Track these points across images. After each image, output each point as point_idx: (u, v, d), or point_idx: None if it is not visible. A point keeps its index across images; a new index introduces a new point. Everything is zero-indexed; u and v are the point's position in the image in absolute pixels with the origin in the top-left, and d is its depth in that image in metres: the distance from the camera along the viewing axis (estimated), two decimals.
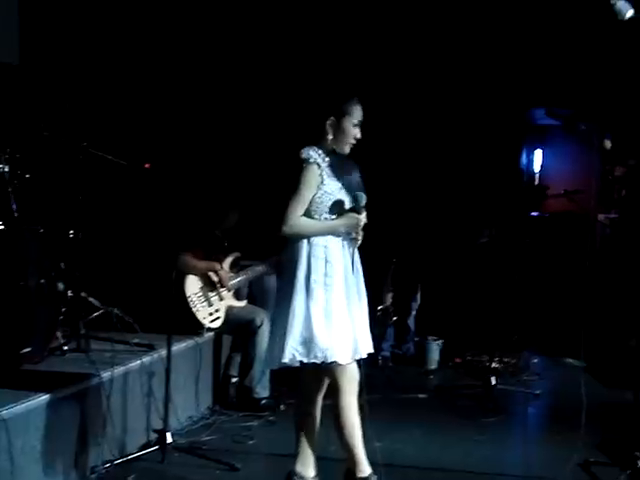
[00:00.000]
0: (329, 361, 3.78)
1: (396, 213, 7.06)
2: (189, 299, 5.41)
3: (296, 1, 7.21)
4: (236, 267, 5.73)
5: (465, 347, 7.17)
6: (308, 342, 3.76)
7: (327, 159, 3.89)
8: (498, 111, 7.75)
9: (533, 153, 8.89)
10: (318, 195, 3.85)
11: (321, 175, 3.84)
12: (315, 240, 3.84)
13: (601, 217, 7.82)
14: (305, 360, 3.79)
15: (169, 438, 4.48)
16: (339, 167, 3.92)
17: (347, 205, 3.89)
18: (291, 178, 3.88)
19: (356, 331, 3.86)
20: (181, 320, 5.10)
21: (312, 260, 3.82)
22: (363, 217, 3.88)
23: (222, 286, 5.57)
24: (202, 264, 5.55)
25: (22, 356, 4.28)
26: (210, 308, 5.50)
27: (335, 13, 7.24)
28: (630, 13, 3.47)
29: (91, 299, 5.24)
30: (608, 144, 7.90)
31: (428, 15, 7.45)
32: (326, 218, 3.87)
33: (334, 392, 3.90)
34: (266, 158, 6.74)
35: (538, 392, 6.13)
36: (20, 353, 4.27)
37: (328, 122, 3.89)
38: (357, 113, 3.92)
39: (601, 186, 7.54)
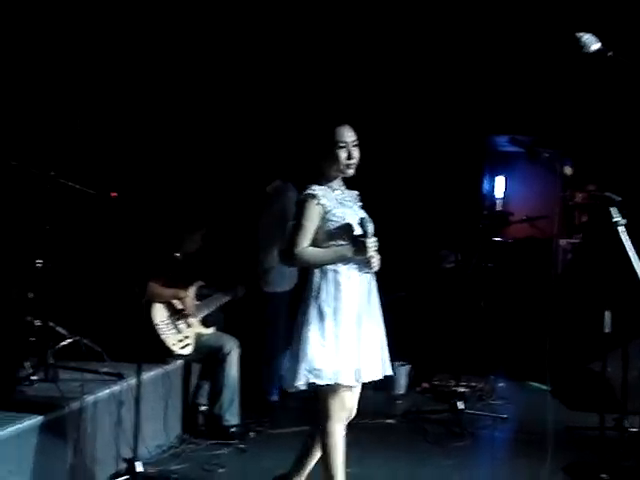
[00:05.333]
0: (336, 383, 3.86)
1: None
2: (157, 326, 5.41)
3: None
4: (200, 296, 5.74)
5: (432, 372, 7.21)
6: (318, 365, 3.84)
7: (331, 190, 3.99)
8: (460, 138, 7.86)
9: (495, 179, 9.02)
10: (323, 224, 3.92)
11: (320, 204, 3.91)
12: (326, 267, 3.92)
13: (563, 242, 7.95)
14: (318, 382, 3.85)
15: (139, 467, 4.46)
16: (346, 196, 4.05)
17: (358, 231, 3.95)
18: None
19: (362, 357, 3.92)
20: (150, 347, 5.10)
21: (322, 285, 3.91)
22: (371, 242, 3.92)
23: (187, 314, 5.58)
24: (168, 292, 5.56)
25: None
26: (179, 335, 5.50)
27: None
28: (596, 46, 3.55)
29: (59, 328, 5.22)
30: (569, 170, 8.05)
31: (391, 40, 7.56)
32: (334, 245, 3.94)
33: (323, 416, 3.95)
34: (231, 183, 6.79)
35: (505, 416, 6.18)
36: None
37: (316, 155, 4.00)
38: (338, 136, 4.00)
39: (562, 212, 7.67)
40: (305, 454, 4.17)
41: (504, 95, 7.77)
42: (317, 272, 3.93)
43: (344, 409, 3.96)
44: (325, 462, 3.98)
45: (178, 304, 5.56)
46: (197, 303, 5.66)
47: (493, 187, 9.02)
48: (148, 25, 7.00)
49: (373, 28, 7.49)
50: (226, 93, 7.23)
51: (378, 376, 4.02)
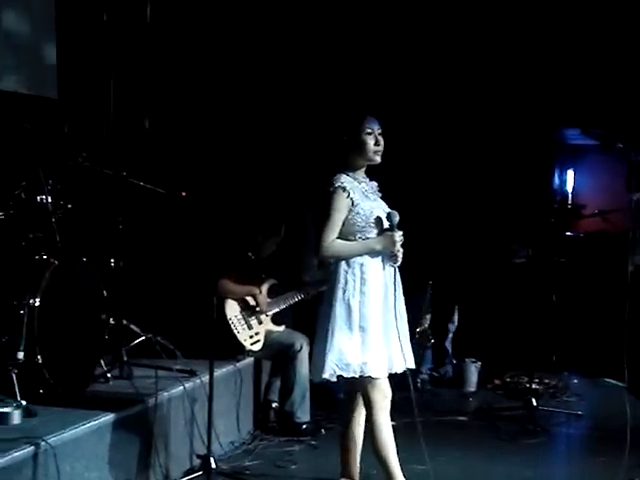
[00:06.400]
0: (365, 375, 3.90)
1: (432, 235, 7.08)
2: (230, 321, 5.47)
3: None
4: (273, 293, 5.78)
5: (504, 369, 7.13)
6: (345, 358, 3.89)
7: (357, 181, 4.01)
8: (529, 132, 7.76)
9: (565, 173, 8.88)
10: (350, 217, 3.95)
11: (350, 198, 3.94)
12: (352, 259, 3.95)
13: None
14: (345, 375, 3.91)
15: (213, 464, 4.51)
16: (369, 188, 4.07)
17: (385, 224, 3.98)
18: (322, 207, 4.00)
19: (391, 348, 3.96)
20: (222, 343, 5.14)
21: (349, 278, 3.94)
22: (398, 235, 3.94)
23: (260, 311, 5.62)
24: (241, 288, 5.60)
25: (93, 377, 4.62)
26: (250, 331, 5.55)
27: (348, 32, 7.30)
28: None
29: (133, 326, 5.30)
30: None
31: (457, 32, 7.49)
32: (361, 238, 3.96)
33: (367, 408, 4.02)
34: (303, 185, 6.80)
35: (580, 413, 6.08)
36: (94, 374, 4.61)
37: (341, 143, 4.02)
38: (365, 123, 4.02)
39: None
40: (346, 451, 4.19)
41: (573, 88, 7.64)
42: (343, 265, 3.95)
43: (385, 397, 3.99)
44: (379, 457, 4.01)
45: (251, 300, 5.61)
46: (269, 300, 5.69)
47: (563, 181, 8.88)
48: (221, 28, 7.04)
49: (435, 13, 7.43)
50: (288, 93, 7.25)
51: (405, 367, 4.02)
